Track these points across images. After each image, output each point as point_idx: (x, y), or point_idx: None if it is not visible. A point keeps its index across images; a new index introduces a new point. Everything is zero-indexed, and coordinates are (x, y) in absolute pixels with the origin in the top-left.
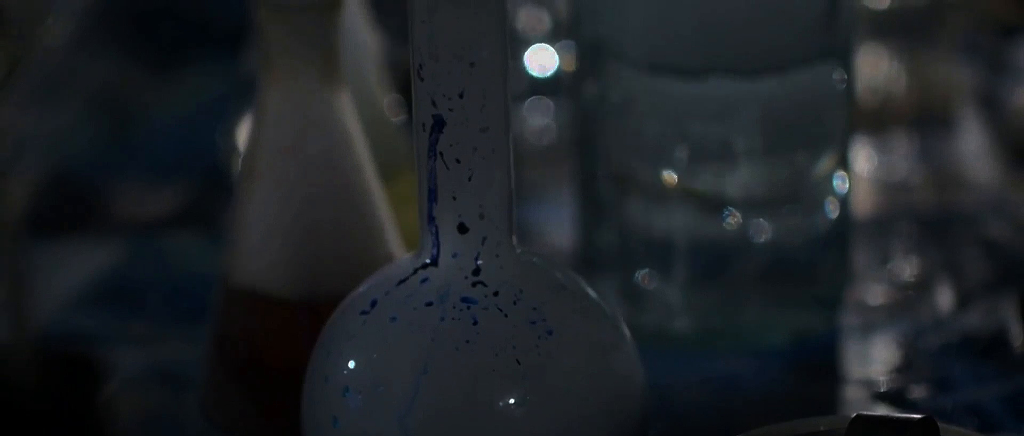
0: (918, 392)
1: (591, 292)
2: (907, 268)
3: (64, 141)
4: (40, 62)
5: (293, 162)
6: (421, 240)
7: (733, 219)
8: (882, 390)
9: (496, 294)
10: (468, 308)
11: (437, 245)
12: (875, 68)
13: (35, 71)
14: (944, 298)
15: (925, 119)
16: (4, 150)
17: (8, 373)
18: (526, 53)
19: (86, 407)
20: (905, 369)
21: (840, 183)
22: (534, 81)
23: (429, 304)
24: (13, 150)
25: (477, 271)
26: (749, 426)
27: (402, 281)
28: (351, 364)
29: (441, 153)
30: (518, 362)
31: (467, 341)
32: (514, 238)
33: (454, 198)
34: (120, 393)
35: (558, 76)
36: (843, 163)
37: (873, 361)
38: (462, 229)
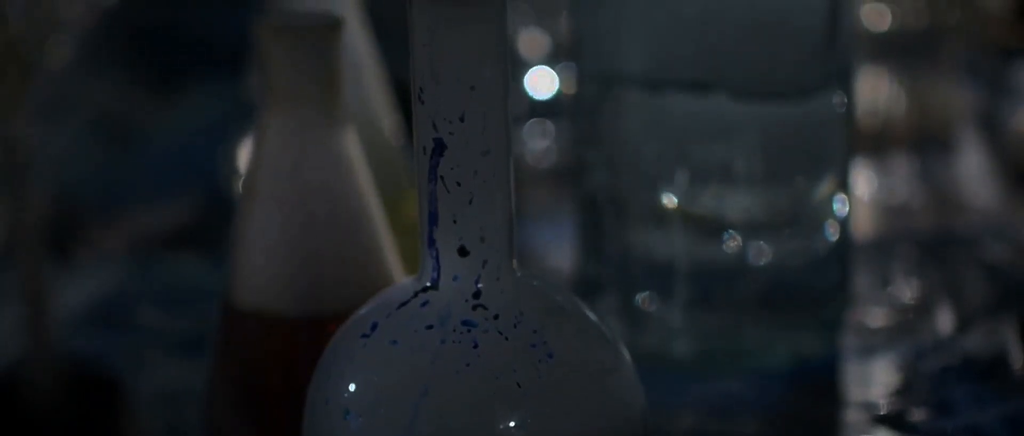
0: (918, 415)
1: (591, 315)
2: (907, 290)
3: (66, 162)
4: (43, 83)
5: (294, 184)
6: (421, 263)
7: (733, 242)
8: (882, 413)
9: (496, 317)
10: (468, 331)
11: (438, 268)
12: (875, 91)
13: (38, 92)
14: (944, 320)
15: (925, 141)
16: (21, 167)
17: (26, 390)
18: (527, 75)
19: (99, 426)
20: (905, 391)
21: (840, 206)
22: (535, 104)
23: (430, 327)
24: (25, 168)
25: (478, 294)
26: None
27: (403, 304)
28: (352, 386)
29: (442, 176)
30: (518, 385)
31: (467, 364)
32: (515, 261)
33: (455, 221)
34: (121, 412)
35: (558, 99)
36: (843, 186)
37: (873, 383)
38: (463, 252)
